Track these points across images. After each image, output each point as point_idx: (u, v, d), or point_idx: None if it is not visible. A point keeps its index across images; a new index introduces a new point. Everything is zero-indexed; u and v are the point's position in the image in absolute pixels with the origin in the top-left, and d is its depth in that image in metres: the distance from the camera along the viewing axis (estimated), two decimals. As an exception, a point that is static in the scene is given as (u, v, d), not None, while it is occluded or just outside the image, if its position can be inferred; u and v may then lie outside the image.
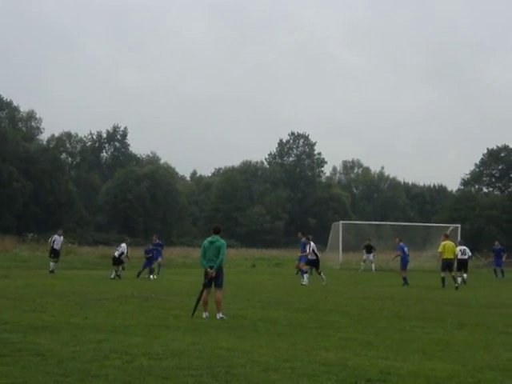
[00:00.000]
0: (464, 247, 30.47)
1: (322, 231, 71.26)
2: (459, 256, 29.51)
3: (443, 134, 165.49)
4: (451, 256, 28.53)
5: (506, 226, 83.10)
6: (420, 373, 9.08)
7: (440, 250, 28.80)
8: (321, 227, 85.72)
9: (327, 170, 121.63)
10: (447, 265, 28.31)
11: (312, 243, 28.77)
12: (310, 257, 28.83)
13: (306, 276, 28.27)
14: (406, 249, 30.32)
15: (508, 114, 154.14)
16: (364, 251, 44.02)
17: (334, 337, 12.59)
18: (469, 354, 11.02)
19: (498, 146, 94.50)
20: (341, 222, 52.04)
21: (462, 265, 29.57)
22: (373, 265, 43.47)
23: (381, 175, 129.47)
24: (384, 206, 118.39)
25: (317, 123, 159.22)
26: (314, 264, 29.01)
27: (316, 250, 29.06)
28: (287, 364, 9.48)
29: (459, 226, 50.70)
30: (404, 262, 30.06)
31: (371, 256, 43.65)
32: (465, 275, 29.75)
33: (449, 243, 28.95)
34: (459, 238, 37.63)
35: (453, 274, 28.28)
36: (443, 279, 27.86)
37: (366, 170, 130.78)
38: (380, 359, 10.12)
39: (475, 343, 12.28)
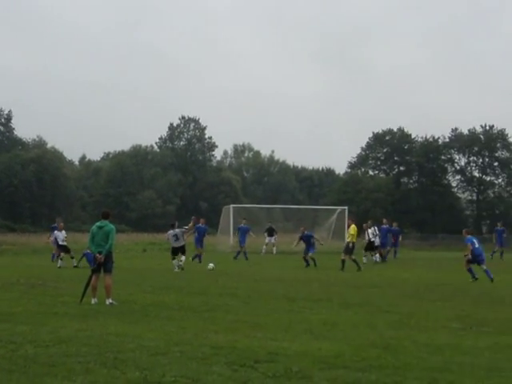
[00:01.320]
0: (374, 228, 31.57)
1: (214, 215, 71.48)
2: (371, 237, 30.39)
3: (332, 118, 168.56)
4: (355, 240, 29.04)
5: (391, 207, 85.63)
6: (307, 352, 9.28)
7: (353, 232, 29.13)
8: (212, 211, 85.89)
9: (218, 153, 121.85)
10: (353, 248, 28.79)
11: None
12: None
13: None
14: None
15: (393, 99, 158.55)
16: (266, 234, 44.45)
17: (224, 319, 12.68)
18: (354, 333, 11.33)
19: (383, 130, 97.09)
20: (231, 205, 52.31)
21: (371, 246, 30.45)
22: (274, 248, 43.96)
23: (271, 159, 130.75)
24: (274, 189, 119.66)
25: (208, 107, 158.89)
26: None
27: None
28: (177, 348, 9.48)
29: (346, 208, 51.87)
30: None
31: (273, 239, 44.15)
32: (377, 255, 30.75)
33: (355, 227, 29.33)
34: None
35: (353, 257, 28.74)
36: (344, 262, 28.18)
37: (257, 153, 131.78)
38: (269, 340, 10.28)
39: (360, 322, 12.63)
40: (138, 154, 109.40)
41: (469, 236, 23.88)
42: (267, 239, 44.25)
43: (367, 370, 8.25)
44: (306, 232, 31.34)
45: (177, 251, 27.03)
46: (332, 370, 8.15)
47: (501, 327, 12.39)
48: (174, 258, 27.23)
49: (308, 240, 30.99)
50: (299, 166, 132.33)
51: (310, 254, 30.25)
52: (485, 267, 23.34)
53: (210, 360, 8.68)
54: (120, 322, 12.21)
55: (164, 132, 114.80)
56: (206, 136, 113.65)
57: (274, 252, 43.32)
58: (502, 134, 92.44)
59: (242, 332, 11.09)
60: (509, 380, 7.85)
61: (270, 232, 44.25)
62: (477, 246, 23.48)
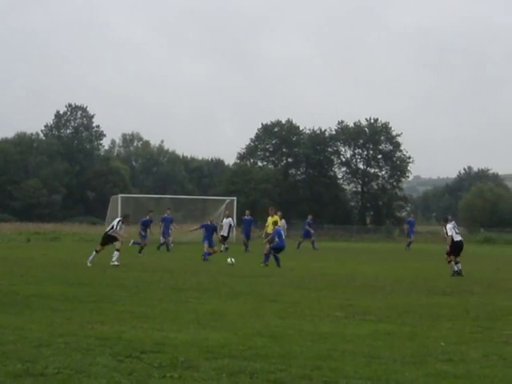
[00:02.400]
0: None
1: (101, 205, 70.39)
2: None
3: (222, 109, 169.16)
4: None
5: (279, 198, 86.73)
6: (194, 342, 9.31)
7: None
8: (100, 201, 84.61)
9: (106, 143, 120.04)
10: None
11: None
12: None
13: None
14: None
15: (282, 91, 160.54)
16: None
17: (111, 310, 12.54)
18: (241, 322, 11.45)
19: (271, 122, 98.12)
20: (120, 195, 51.71)
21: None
22: (170, 238, 43.71)
23: (160, 149, 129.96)
24: (163, 179, 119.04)
25: (95, 95, 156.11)
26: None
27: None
28: (61, 339, 9.31)
29: (235, 198, 52.23)
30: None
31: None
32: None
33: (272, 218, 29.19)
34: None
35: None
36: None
37: (146, 143, 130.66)
38: (155, 331, 10.25)
39: (247, 312, 12.77)
40: (22, 142, 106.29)
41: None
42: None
43: (253, 358, 8.36)
44: (213, 223, 30.84)
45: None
46: (218, 360, 8.21)
47: (381, 315, 12.81)
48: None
49: (210, 231, 30.07)
50: (189, 157, 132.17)
51: (206, 245, 29.51)
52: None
53: (95, 351, 8.58)
54: (1, 313, 11.87)
55: (50, 120, 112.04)
56: (94, 124, 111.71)
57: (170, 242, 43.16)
58: (385, 128, 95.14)
59: (129, 323, 11.00)
60: (388, 366, 8.12)
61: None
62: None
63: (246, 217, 38.91)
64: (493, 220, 78.23)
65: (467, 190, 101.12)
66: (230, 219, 38.56)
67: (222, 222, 39.01)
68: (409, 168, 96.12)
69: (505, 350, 9.45)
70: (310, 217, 43.33)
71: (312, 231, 42.42)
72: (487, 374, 7.84)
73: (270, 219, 29.23)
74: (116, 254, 24.44)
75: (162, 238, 37.75)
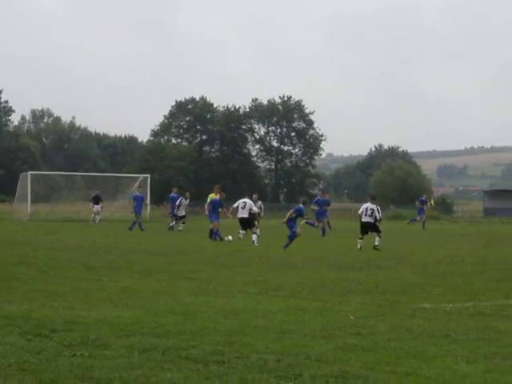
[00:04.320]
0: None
1: (11, 182, 68.66)
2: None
3: (135, 86, 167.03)
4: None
5: (193, 176, 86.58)
6: (105, 320, 9.21)
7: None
8: (9, 178, 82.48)
9: (15, 118, 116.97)
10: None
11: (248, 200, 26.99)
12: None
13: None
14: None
15: (196, 67, 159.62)
16: (92, 202, 43.50)
17: (20, 289, 12.27)
18: (154, 300, 11.39)
19: (185, 99, 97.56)
20: (29, 172, 50.61)
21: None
22: (98, 216, 43.09)
23: (72, 125, 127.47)
24: (75, 156, 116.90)
25: (3, 70, 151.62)
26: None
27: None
28: (-33, 320, 9.07)
29: (149, 176, 51.88)
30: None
31: (99, 207, 43.29)
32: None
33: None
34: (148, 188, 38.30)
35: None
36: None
37: (57, 119, 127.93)
38: (66, 309, 10.09)
39: (161, 289, 12.71)
40: None
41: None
42: (94, 207, 43.38)
43: (165, 335, 8.34)
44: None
45: None
46: (130, 337, 8.16)
47: (293, 291, 12.98)
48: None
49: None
50: (101, 133, 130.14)
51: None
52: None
53: (3, 330, 8.39)
54: None
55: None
56: (2, 100, 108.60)
57: (97, 220, 42.63)
58: (299, 105, 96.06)
59: (39, 301, 10.80)
60: (298, 341, 8.25)
61: (97, 200, 43.45)
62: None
63: (173, 194, 38.41)
64: (402, 197, 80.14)
65: (378, 167, 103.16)
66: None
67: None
68: (321, 146, 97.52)
69: (411, 322, 9.71)
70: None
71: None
72: (394, 346, 8.05)
73: (210, 196, 28.94)
74: None
75: (135, 216, 36.29)
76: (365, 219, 24.68)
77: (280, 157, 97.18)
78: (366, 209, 24.83)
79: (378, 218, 24.67)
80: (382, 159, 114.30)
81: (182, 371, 6.70)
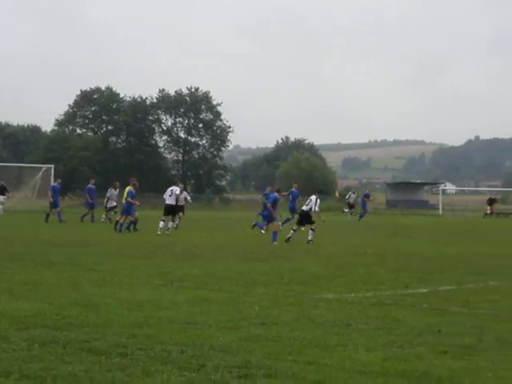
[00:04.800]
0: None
1: None
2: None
3: (39, 74, 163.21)
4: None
5: (99, 166, 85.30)
6: (5, 313, 8.99)
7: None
8: None
9: None
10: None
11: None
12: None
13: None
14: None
15: (101, 57, 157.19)
16: None
17: None
18: (57, 292, 11.19)
19: (91, 88, 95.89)
20: None
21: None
22: (1, 206, 41.92)
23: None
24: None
25: None
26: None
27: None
28: None
29: (53, 166, 50.81)
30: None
31: (3, 198, 42.17)
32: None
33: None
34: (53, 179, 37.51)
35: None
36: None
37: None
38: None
39: (64, 281, 12.50)
40: None
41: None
42: (1, 198, 42.25)
43: (67, 328, 8.21)
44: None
45: None
46: (30, 330, 7.99)
47: (199, 282, 12.99)
48: None
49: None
50: (3, 122, 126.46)
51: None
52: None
53: None
54: None
55: None
56: None
57: (1, 212, 41.47)
58: (206, 97, 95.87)
59: None
60: (203, 331, 8.26)
61: (2, 191, 42.31)
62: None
63: (90, 186, 37.59)
64: (308, 188, 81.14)
65: (284, 159, 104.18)
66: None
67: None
68: (229, 137, 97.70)
69: (314, 312, 9.87)
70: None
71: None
72: (297, 336, 8.17)
73: (127, 188, 28.54)
74: None
75: (54, 208, 35.14)
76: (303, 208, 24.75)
77: (187, 148, 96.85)
78: (309, 201, 24.70)
79: (313, 209, 24.52)
80: (288, 151, 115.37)
81: (83, 364, 6.62)
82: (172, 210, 27.38)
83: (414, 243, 25.04)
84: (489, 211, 60.12)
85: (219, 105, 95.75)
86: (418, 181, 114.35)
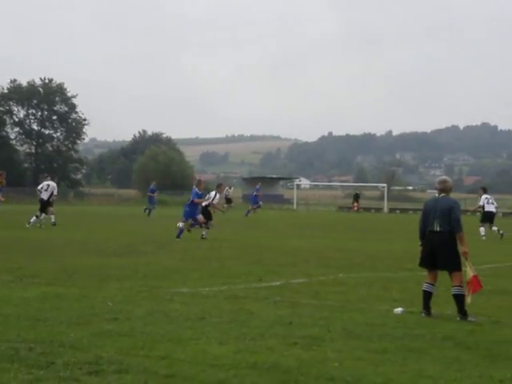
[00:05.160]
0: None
1: None
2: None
3: None
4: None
5: None
6: None
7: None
8: None
9: None
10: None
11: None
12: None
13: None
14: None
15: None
16: None
17: None
18: None
19: None
20: None
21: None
22: None
23: None
24: None
25: None
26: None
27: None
28: None
29: None
30: None
31: None
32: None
33: None
34: None
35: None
36: None
37: None
38: None
39: None
40: None
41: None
42: None
43: None
44: None
45: None
46: None
47: (50, 278, 12.69)
48: None
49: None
50: None
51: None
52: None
53: None
54: None
55: None
56: None
57: None
58: (60, 88, 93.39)
59: None
60: (53, 328, 8.06)
61: None
62: None
63: None
64: (165, 183, 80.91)
65: (142, 153, 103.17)
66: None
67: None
68: (84, 130, 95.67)
69: (168, 307, 9.88)
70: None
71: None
72: (150, 330, 8.14)
73: None
74: None
75: None
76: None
77: (41, 140, 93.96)
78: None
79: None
80: (145, 145, 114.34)
81: None
82: (45, 205, 27.39)
83: (268, 237, 25.52)
84: (355, 208, 61.05)
85: (74, 97, 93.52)
86: (274, 176, 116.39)
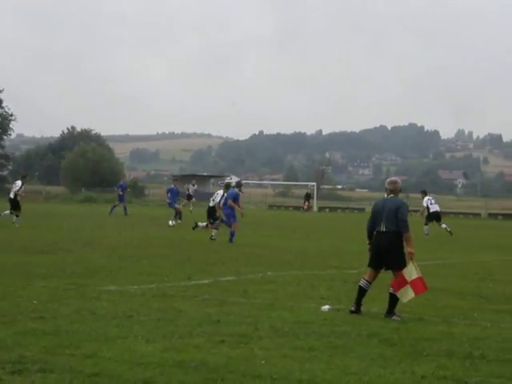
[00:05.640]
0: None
1: None
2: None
3: None
4: None
5: None
6: None
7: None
8: None
9: None
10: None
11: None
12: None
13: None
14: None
15: None
16: None
17: None
18: None
19: None
20: None
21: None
22: None
23: None
24: None
25: None
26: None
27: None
28: None
29: None
30: None
31: None
32: None
33: None
34: None
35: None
36: None
37: None
38: None
39: None
40: None
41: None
42: None
43: None
44: None
45: None
46: None
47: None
48: None
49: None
50: None
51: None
52: None
53: None
54: None
55: None
56: None
57: None
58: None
59: None
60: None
61: None
62: None
63: None
64: (94, 180, 79.96)
65: (70, 149, 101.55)
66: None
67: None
68: (11, 126, 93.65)
69: (96, 305, 9.78)
70: None
71: None
72: (76, 329, 8.06)
73: None
74: None
75: None
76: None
77: None
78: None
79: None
80: (74, 142, 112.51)
81: None
82: (13, 204, 28.03)
83: (197, 235, 25.44)
84: (305, 207, 61.69)
85: (1, 91, 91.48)
86: (205, 173, 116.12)
